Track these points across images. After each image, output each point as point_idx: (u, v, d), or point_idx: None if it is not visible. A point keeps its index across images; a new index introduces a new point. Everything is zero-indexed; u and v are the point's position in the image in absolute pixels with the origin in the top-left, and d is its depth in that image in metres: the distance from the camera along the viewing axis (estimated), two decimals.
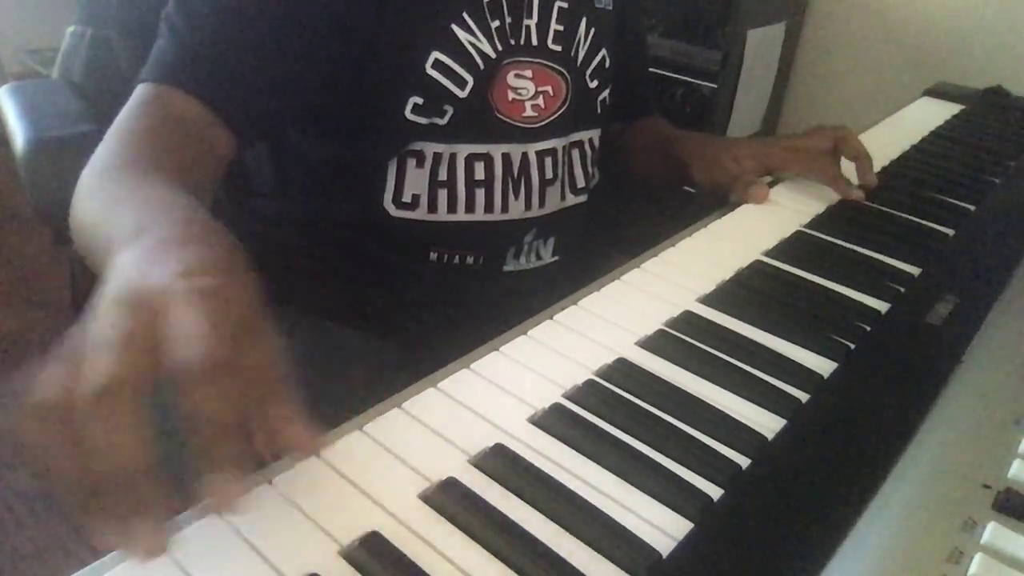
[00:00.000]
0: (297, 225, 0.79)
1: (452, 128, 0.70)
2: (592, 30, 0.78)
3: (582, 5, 0.77)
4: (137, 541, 0.30)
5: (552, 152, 0.77)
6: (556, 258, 0.82)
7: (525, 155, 0.75)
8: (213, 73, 0.61)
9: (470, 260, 0.76)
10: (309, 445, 0.35)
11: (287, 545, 0.35)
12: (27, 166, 0.74)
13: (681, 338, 0.53)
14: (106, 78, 0.88)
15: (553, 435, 0.43)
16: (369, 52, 0.68)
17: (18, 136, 0.76)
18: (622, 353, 0.51)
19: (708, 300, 0.58)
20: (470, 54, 0.70)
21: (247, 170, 0.82)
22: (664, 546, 0.37)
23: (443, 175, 0.72)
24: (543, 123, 0.75)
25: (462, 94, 0.70)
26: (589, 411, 0.45)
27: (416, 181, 0.71)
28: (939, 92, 1.23)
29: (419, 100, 0.69)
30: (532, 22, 0.73)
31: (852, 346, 0.54)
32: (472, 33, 0.70)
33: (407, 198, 0.72)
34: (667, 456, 0.42)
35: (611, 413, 0.45)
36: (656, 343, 0.52)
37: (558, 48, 0.76)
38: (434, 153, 0.71)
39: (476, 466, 0.41)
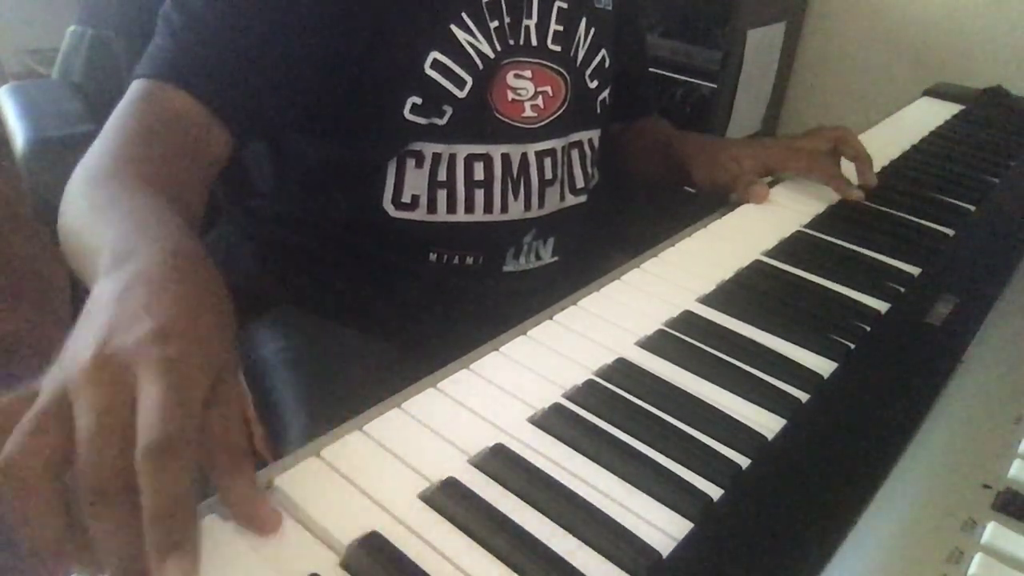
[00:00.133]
0: (297, 225, 0.79)
1: (451, 128, 0.70)
2: (592, 30, 0.78)
3: (582, 5, 0.77)
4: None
5: (551, 152, 0.77)
6: (555, 258, 0.82)
7: (524, 155, 0.75)
8: (210, 71, 0.61)
9: (470, 260, 0.76)
10: (259, 522, 0.35)
11: (287, 545, 0.35)
12: (27, 166, 0.74)
13: (681, 338, 0.53)
14: (106, 78, 0.88)
15: (553, 435, 0.43)
16: (368, 52, 0.68)
17: (18, 136, 0.76)
18: (622, 353, 0.51)
19: (708, 300, 0.58)
20: (469, 54, 0.70)
21: (247, 170, 0.82)
22: (664, 546, 0.37)
23: (442, 175, 0.72)
24: (542, 123, 0.75)
25: (461, 94, 0.70)
26: (589, 411, 0.45)
27: (415, 181, 0.71)
28: (939, 92, 1.23)
29: (418, 100, 0.69)
30: (531, 22, 0.73)
31: (852, 346, 0.54)
32: (471, 33, 0.70)
33: (406, 198, 0.72)
34: (667, 456, 0.42)
35: (611, 413, 0.45)
36: (656, 343, 0.52)
37: (558, 48, 0.76)
38: (433, 153, 0.71)
39: (476, 466, 0.41)
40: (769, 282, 0.62)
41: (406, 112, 0.69)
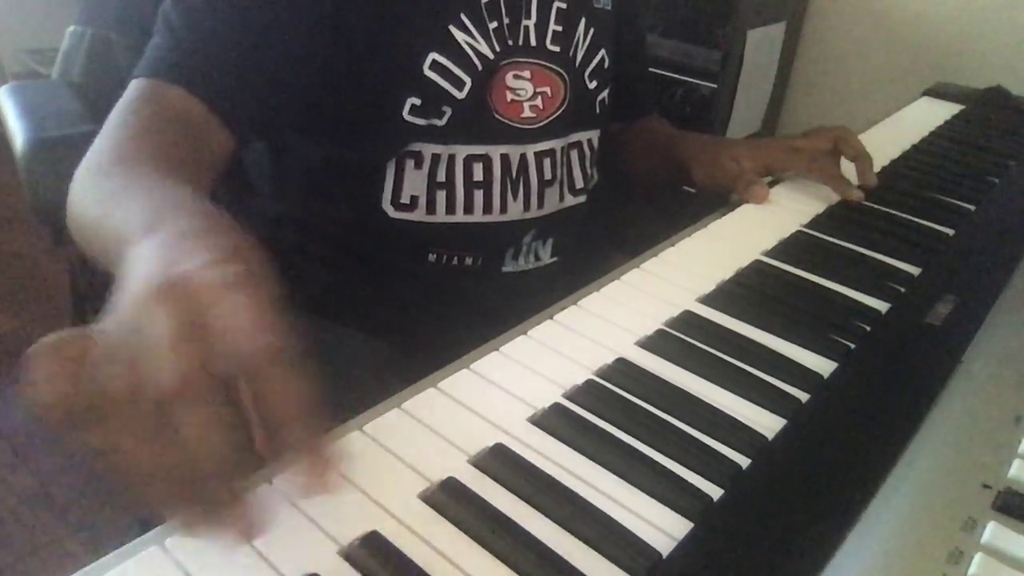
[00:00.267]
0: (296, 226, 0.79)
1: (450, 129, 0.70)
2: (591, 30, 0.78)
3: (581, 5, 0.77)
4: (229, 526, 0.31)
5: (551, 153, 0.77)
6: (555, 259, 0.82)
7: (524, 156, 0.75)
8: (211, 70, 0.61)
9: (469, 261, 0.76)
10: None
11: (287, 545, 0.35)
12: (27, 166, 0.74)
13: (681, 338, 0.53)
14: (106, 78, 0.88)
15: (553, 435, 0.43)
16: (367, 53, 0.68)
17: (18, 136, 0.76)
18: (622, 353, 0.51)
19: (708, 300, 0.58)
20: (468, 55, 0.70)
21: (247, 170, 0.82)
22: (664, 546, 0.37)
23: (442, 176, 0.72)
24: (542, 124, 0.75)
25: (460, 95, 0.70)
26: (589, 411, 0.45)
27: (415, 182, 0.71)
28: (939, 92, 1.23)
29: (417, 101, 0.69)
30: (531, 23, 0.73)
31: (852, 346, 0.54)
32: (470, 34, 0.70)
33: (406, 199, 0.72)
34: (667, 456, 0.42)
35: (611, 413, 0.45)
36: (656, 343, 0.52)
37: (557, 49, 0.76)
38: (432, 154, 0.71)
39: (476, 466, 0.41)
40: (769, 282, 0.62)
41: (405, 113, 0.69)
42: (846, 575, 0.36)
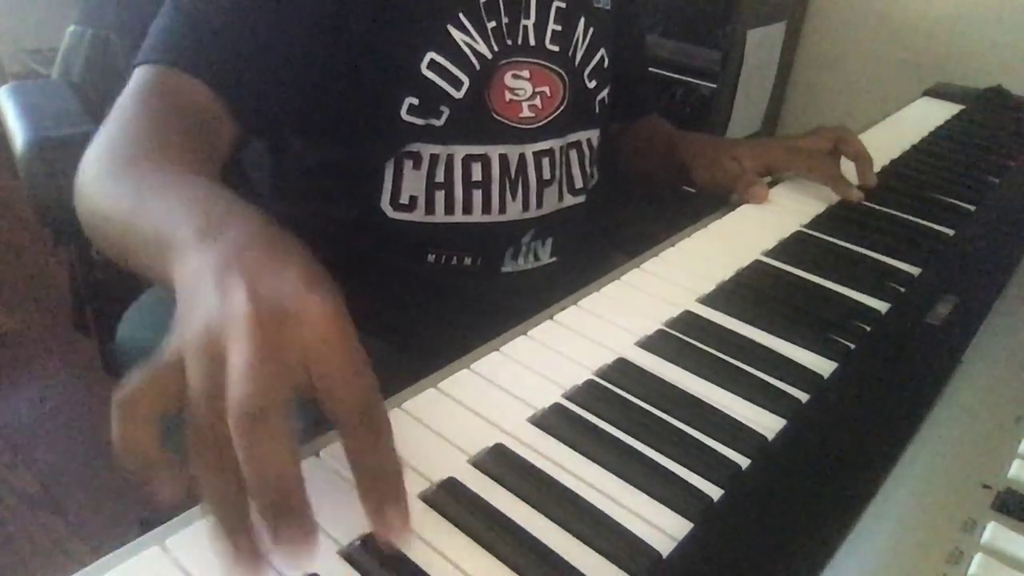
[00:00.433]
0: (295, 226, 0.78)
1: (449, 129, 0.70)
2: (591, 30, 0.78)
3: (580, 5, 0.77)
4: (302, 545, 0.31)
5: (550, 153, 0.77)
6: (554, 259, 0.82)
7: (522, 156, 0.75)
8: (221, 60, 0.60)
9: (468, 261, 0.76)
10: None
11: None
12: (27, 166, 0.74)
13: (681, 338, 0.53)
14: (106, 78, 0.88)
15: (553, 435, 0.43)
16: (365, 51, 0.67)
17: (18, 136, 0.76)
18: (622, 353, 0.51)
19: (708, 300, 0.58)
20: (466, 55, 0.70)
21: (246, 170, 0.82)
22: (664, 546, 0.37)
23: (440, 176, 0.72)
24: (540, 124, 0.75)
25: (458, 95, 0.70)
26: (589, 411, 0.45)
27: (413, 183, 0.71)
28: (939, 92, 1.23)
29: (415, 101, 0.69)
30: (530, 22, 0.73)
31: (852, 346, 0.53)
32: (468, 34, 0.70)
33: (404, 199, 0.72)
34: (667, 456, 0.42)
35: (611, 413, 0.45)
36: (656, 343, 0.52)
37: (556, 48, 0.75)
38: (431, 154, 0.71)
39: (476, 466, 0.41)
40: (769, 282, 0.62)
41: (403, 113, 0.69)
42: (846, 575, 0.36)
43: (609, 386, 0.48)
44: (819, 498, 0.40)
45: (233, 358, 0.31)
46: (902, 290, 0.61)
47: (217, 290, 0.34)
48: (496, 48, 0.71)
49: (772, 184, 0.80)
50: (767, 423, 0.46)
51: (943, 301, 0.59)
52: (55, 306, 1.87)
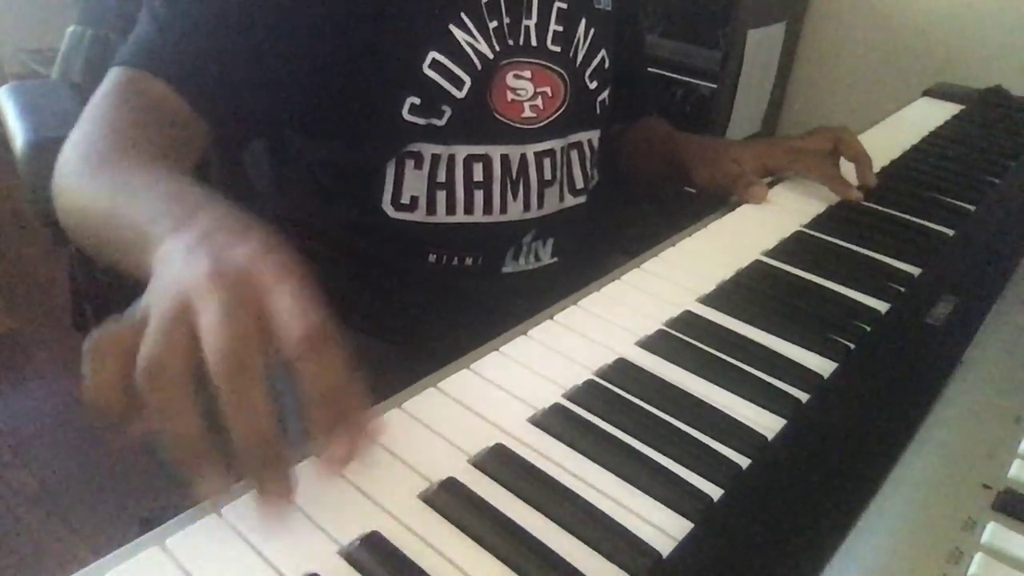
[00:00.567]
0: (296, 226, 0.78)
1: (450, 129, 0.70)
2: (592, 31, 0.78)
3: (581, 6, 0.77)
4: (269, 490, 0.34)
5: (551, 153, 0.77)
6: (555, 259, 0.82)
7: (524, 156, 0.75)
8: (188, 63, 0.61)
9: (469, 261, 0.76)
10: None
11: (287, 545, 0.35)
12: (27, 166, 0.74)
13: (681, 338, 0.53)
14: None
15: (553, 435, 0.43)
16: (366, 51, 0.67)
17: (18, 136, 0.76)
18: (622, 353, 0.51)
19: (708, 300, 0.58)
20: (468, 55, 0.70)
21: (247, 170, 0.82)
22: (664, 546, 0.37)
23: (442, 176, 0.72)
24: (542, 124, 0.75)
25: (460, 95, 0.70)
26: (589, 411, 0.45)
27: (414, 182, 0.71)
28: (939, 92, 1.23)
29: (416, 101, 0.69)
30: (531, 22, 0.73)
31: (852, 346, 0.54)
32: (470, 33, 0.70)
33: (406, 199, 0.72)
34: (667, 456, 0.42)
35: (611, 413, 0.45)
36: (656, 343, 0.52)
37: (557, 49, 0.76)
38: (432, 154, 0.71)
39: (476, 466, 0.41)
40: (769, 282, 0.62)
41: (405, 112, 0.69)
42: (846, 575, 0.36)
43: (609, 386, 0.48)
44: (819, 498, 0.40)
45: (205, 316, 0.33)
46: (902, 290, 0.61)
47: (184, 264, 0.37)
48: (498, 48, 0.71)
49: (772, 184, 0.80)
50: (767, 423, 0.46)
51: (943, 301, 0.59)
52: (55, 306, 1.87)
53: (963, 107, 1.16)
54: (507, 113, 0.73)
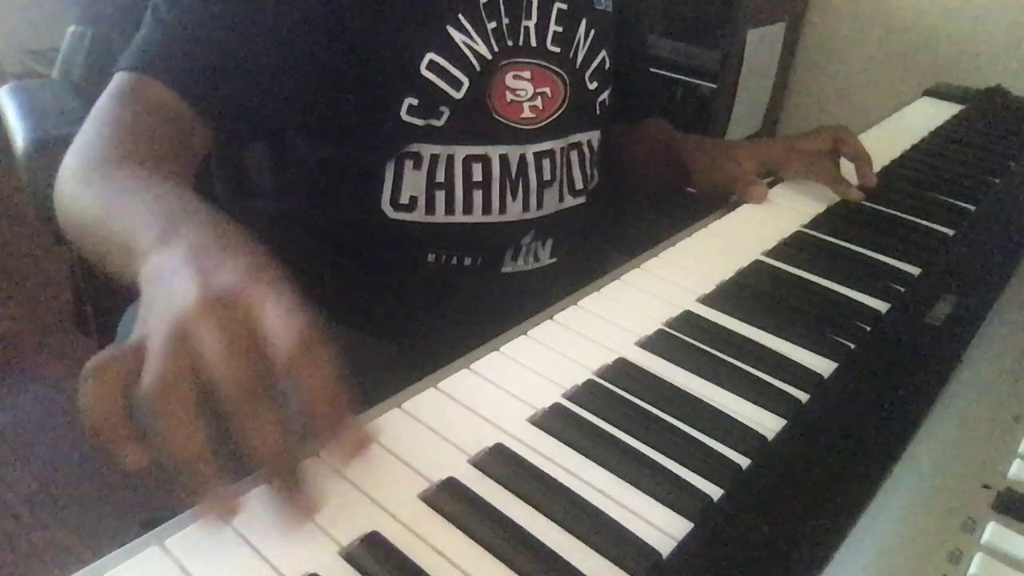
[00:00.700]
0: (296, 226, 0.79)
1: (449, 129, 0.70)
2: (592, 31, 0.78)
3: (582, 6, 0.77)
4: (288, 498, 0.35)
5: (550, 153, 0.77)
6: (554, 260, 0.82)
7: (523, 156, 0.75)
8: (192, 67, 0.61)
9: (468, 261, 0.76)
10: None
11: (287, 545, 0.35)
12: (27, 166, 0.74)
13: (681, 338, 0.53)
14: (106, 78, 0.88)
15: (553, 435, 0.43)
16: (364, 52, 0.68)
17: (18, 136, 0.76)
18: (622, 353, 0.51)
19: (708, 300, 0.58)
20: (465, 55, 0.70)
21: (247, 170, 0.82)
22: (664, 546, 0.37)
23: (440, 177, 0.72)
24: (541, 124, 0.75)
25: (458, 95, 0.70)
26: (589, 411, 0.45)
27: (413, 183, 0.71)
28: (939, 92, 1.23)
29: (414, 101, 0.69)
30: (531, 23, 0.73)
31: (852, 346, 0.53)
32: (467, 34, 0.70)
33: (405, 200, 0.72)
34: (667, 456, 0.42)
35: (611, 413, 0.45)
36: (656, 343, 0.52)
37: (557, 49, 0.75)
38: (431, 155, 0.71)
39: (476, 466, 0.41)
40: (769, 282, 0.62)
41: (403, 113, 0.69)
42: (846, 575, 0.36)
43: (609, 386, 0.48)
44: (819, 498, 0.40)
45: (206, 345, 0.34)
46: (902, 290, 0.61)
47: (173, 286, 0.38)
48: (496, 49, 0.71)
49: (772, 184, 0.80)
50: (767, 423, 0.46)
51: (943, 301, 0.59)
52: (55, 306, 1.87)
53: (963, 107, 1.16)
54: (506, 113, 0.73)
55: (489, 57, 0.71)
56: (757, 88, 1.85)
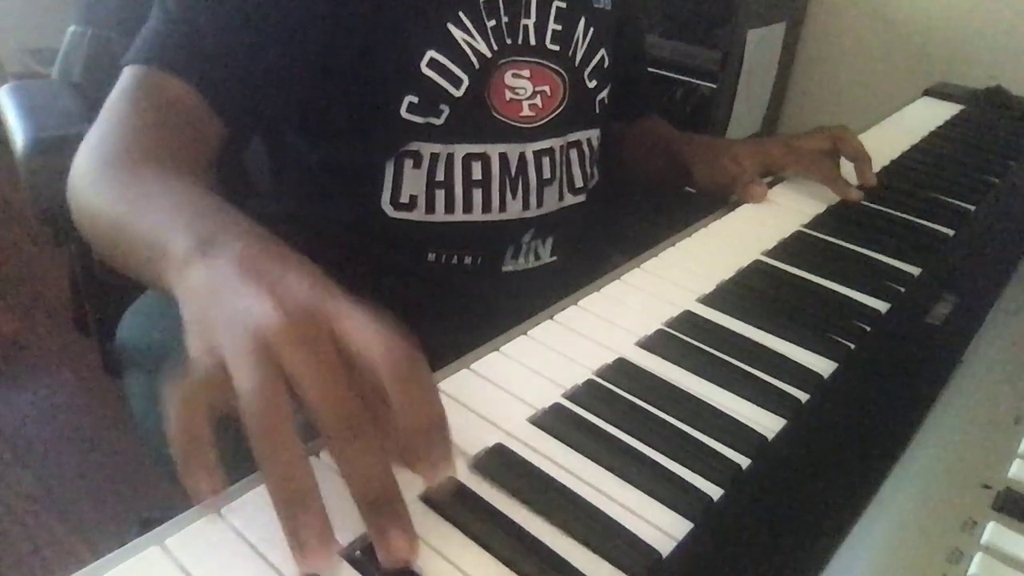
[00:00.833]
0: (296, 225, 0.78)
1: (449, 128, 0.70)
2: (591, 30, 0.78)
3: (581, 5, 0.77)
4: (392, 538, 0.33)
5: (550, 152, 0.77)
6: (554, 258, 0.82)
7: (522, 155, 0.75)
8: (205, 59, 0.61)
9: (468, 260, 0.76)
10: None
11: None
12: (27, 166, 0.74)
13: (681, 338, 0.53)
14: (106, 78, 0.88)
15: (553, 435, 0.43)
16: (364, 49, 0.68)
17: (18, 136, 0.76)
18: (622, 353, 0.51)
19: (708, 300, 0.58)
20: (466, 53, 0.70)
21: (247, 170, 0.82)
22: (664, 546, 0.37)
23: (440, 175, 0.72)
24: (540, 123, 0.75)
25: (458, 93, 0.70)
26: (589, 411, 0.45)
27: (413, 182, 0.71)
28: (939, 92, 1.23)
29: (415, 99, 0.69)
30: (530, 21, 0.73)
31: (852, 346, 0.53)
32: (468, 32, 0.70)
33: (405, 199, 0.72)
34: (667, 456, 0.42)
35: (611, 413, 0.45)
36: (656, 343, 0.52)
37: (556, 48, 0.75)
38: (431, 153, 0.71)
39: (476, 466, 0.41)
40: (769, 282, 0.62)
41: (403, 111, 0.69)
42: (846, 575, 0.35)
43: (609, 386, 0.48)
44: (819, 498, 0.40)
45: (302, 370, 0.33)
46: (902, 290, 0.61)
47: (238, 301, 0.36)
48: (496, 47, 0.71)
49: (772, 184, 0.80)
50: (767, 423, 0.46)
51: (943, 301, 0.59)
52: (55, 307, 1.87)
53: (963, 107, 1.16)
54: (506, 112, 0.73)
55: (489, 55, 0.71)
56: (757, 88, 1.85)
